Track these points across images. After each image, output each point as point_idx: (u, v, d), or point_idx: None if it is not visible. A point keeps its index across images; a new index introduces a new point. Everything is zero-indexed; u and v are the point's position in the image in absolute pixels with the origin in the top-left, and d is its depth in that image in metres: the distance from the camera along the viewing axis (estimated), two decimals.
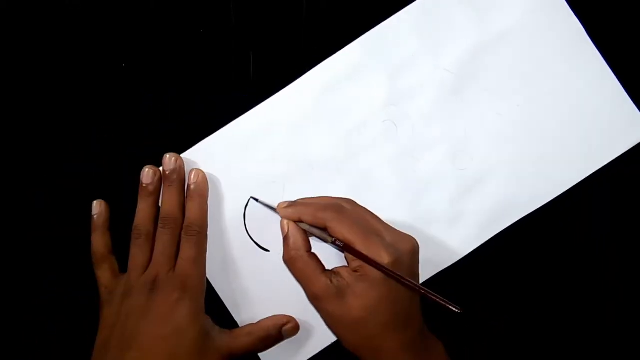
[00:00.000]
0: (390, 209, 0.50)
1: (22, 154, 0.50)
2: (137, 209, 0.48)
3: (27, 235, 0.50)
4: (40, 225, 0.50)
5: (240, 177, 0.50)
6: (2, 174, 0.50)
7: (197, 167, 0.49)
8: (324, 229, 0.46)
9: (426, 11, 0.50)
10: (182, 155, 0.49)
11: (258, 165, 0.50)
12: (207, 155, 0.50)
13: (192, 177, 0.49)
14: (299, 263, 0.46)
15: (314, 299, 0.46)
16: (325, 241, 0.46)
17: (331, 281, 0.45)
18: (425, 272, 0.49)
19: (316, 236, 0.46)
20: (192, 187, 0.49)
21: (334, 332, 0.46)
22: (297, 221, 0.47)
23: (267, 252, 0.50)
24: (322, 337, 0.49)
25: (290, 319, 0.49)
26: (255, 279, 0.50)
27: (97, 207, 0.49)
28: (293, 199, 0.49)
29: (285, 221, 0.47)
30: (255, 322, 0.49)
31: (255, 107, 0.50)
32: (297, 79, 0.50)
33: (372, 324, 0.44)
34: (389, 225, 0.47)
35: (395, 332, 0.44)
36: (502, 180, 0.50)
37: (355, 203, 0.48)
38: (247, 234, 0.50)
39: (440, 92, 0.50)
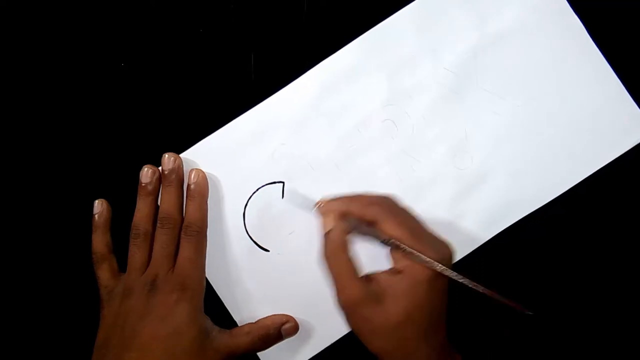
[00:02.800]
0: None
1: (22, 154, 0.50)
2: (136, 209, 0.48)
3: (27, 235, 0.50)
4: (40, 225, 0.50)
5: (240, 177, 0.50)
6: (2, 174, 0.50)
7: (197, 167, 0.49)
8: (371, 226, 0.44)
9: (426, 10, 0.50)
10: (181, 155, 0.49)
11: (258, 165, 0.50)
12: (206, 155, 0.50)
13: (192, 176, 0.49)
14: (339, 262, 0.44)
15: (347, 304, 0.44)
16: (373, 235, 0.44)
17: (367, 286, 0.43)
18: None
19: (363, 233, 0.45)
20: (191, 186, 0.49)
21: (363, 338, 0.44)
22: (343, 216, 0.45)
23: (267, 252, 0.50)
24: (322, 337, 0.49)
25: (289, 319, 0.49)
26: (255, 279, 0.50)
27: (98, 206, 0.49)
28: (294, 199, 0.49)
29: (332, 215, 0.45)
30: (254, 321, 0.49)
31: (254, 107, 0.50)
32: (296, 78, 0.50)
33: (410, 328, 0.43)
34: (430, 231, 0.46)
35: (429, 337, 0.43)
36: (502, 180, 0.50)
37: (400, 201, 0.47)
38: (246, 234, 0.50)
39: (441, 92, 0.50)
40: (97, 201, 0.49)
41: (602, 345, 0.50)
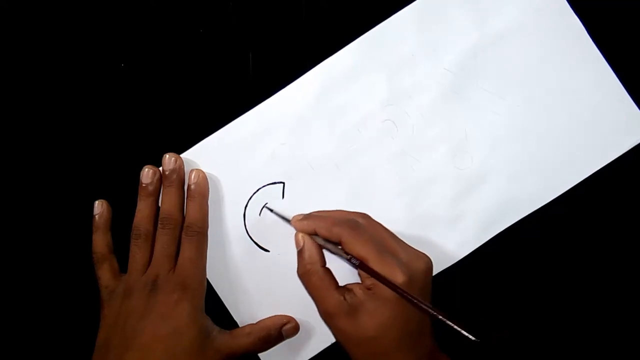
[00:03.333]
0: (390, 208, 0.50)
1: (22, 154, 0.51)
2: (137, 209, 0.48)
3: (27, 235, 0.50)
4: (40, 225, 0.50)
5: (240, 177, 0.50)
6: (2, 174, 0.51)
7: (197, 168, 0.49)
8: (339, 244, 0.45)
9: (426, 10, 0.50)
10: (182, 156, 0.49)
11: (258, 165, 0.50)
12: (206, 156, 0.50)
13: (193, 177, 0.49)
14: (314, 277, 0.46)
15: (326, 315, 0.45)
16: (339, 254, 0.45)
17: (344, 298, 0.44)
18: None
19: (331, 251, 0.46)
20: (192, 187, 0.49)
21: (345, 348, 0.46)
22: (312, 234, 0.47)
23: (267, 252, 0.50)
24: (323, 337, 0.49)
25: (290, 319, 0.49)
26: (255, 279, 0.50)
27: (99, 207, 0.49)
28: (294, 200, 0.50)
29: (300, 234, 0.47)
30: (255, 322, 0.49)
31: (254, 107, 0.50)
32: (296, 79, 0.50)
33: (384, 343, 0.44)
34: (403, 242, 0.47)
35: (407, 350, 0.44)
36: (502, 180, 0.50)
37: (371, 218, 0.48)
38: (247, 234, 0.50)
39: (440, 92, 0.50)
40: (97, 202, 0.49)
41: (601, 346, 0.50)
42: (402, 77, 0.50)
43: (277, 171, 0.50)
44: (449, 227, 0.50)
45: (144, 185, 0.48)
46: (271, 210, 0.49)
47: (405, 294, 0.42)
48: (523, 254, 0.50)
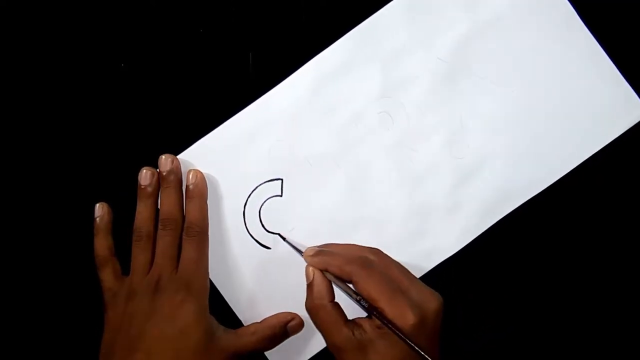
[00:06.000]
0: (389, 200, 0.50)
1: (22, 154, 0.51)
2: (137, 211, 0.49)
3: (28, 239, 0.50)
4: (39, 227, 0.50)
5: (238, 175, 0.50)
6: (2, 175, 0.51)
7: (195, 168, 0.50)
8: (349, 282, 0.45)
9: (416, 1, 0.50)
10: (179, 157, 0.50)
11: (255, 163, 0.50)
12: (203, 155, 0.50)
13: (190, 177, 0.49)
14: (322, 312, 0.45)
15: (335, 349, 0.45)
16: (349, 295, 0.45)
17: (353, 333, 0.44)
18: (425, 264, 0.49)
19: (341, 289, 0.46)
20: (190, 187, 0.49)
21: None
22: (323, 270, 0.46)
23: (269, 250, 0.50)
24: None
25: (294, 316, 0.49)
26: (258, 277, 0.50)
27: (100, 209, 0.49)
28: (293, 197, 0.50)
29: (311, 268, 0.46)
30: (259, 320, 0.48)
31: (248, 105, 0.50)
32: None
33: None
34: (415, 279, 0.46)
35: None
36: (499, 167, 0.50)
37: (382, 254, 0.47)
38: (247, 233, 0.50)
39: (434, 82, 0.50)
40: (98, 205, 0.49)
41: (600, 343, 0.50)
42: (396, 68, 0.50)
43: (274, 168, 0.50)
44: (449, 216, 0.50)
45: (142, 187, 0.49)
46: (284, 239, 0.49)
47: (412, 345, 0.42)
48: (523, 241, 0.50)
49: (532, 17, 0.50)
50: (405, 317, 0.42)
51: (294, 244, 0.49)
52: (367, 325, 0.44)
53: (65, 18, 0.51)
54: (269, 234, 0.50)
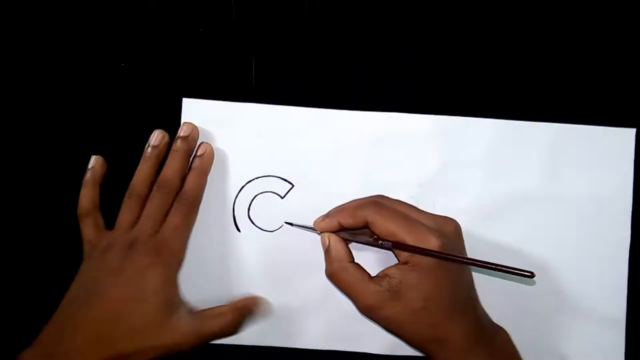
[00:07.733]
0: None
1: (22, 154, 0.50)
2: (137, 170, 0.48)
3: (26, 236, 0.50)
4: (39, 226, 0.50)
5: (246, 160, 0.50)
6: (2, 174, 0.50)
7: (206, 131, 0.50)
8: (365, 229, 0.45)
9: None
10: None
11: (268, 155, 0.50)
12: (225, 119, 0.50)
13: (200, 149, 0.49)
14: (344, 274, 0.45)
15: (368, 309, 0.44)
16: (369, 243, 0.45)
17: (381, 286, 0.43)
18: None
19: (359, 241, 0.46)
20: (197, 159, 0.49)
21: (397, 335, 0.45)
22: (337, 230, 0.46)
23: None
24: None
25: (261, 298, 0.48)
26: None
27: (93, 162, 0.49)
28: (292, 203, 0.50)
29: (326, 234, 0.46)
30: (227, 303, 0.47)
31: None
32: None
33: (433, 312, 0.43)
34: (426, 212, 0.46)
35: (457, 318, 0.43)
36: None
37: (388, 197, 0.47)
38: (232, 215, 0.50)
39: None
40: (93, 157, 0.49)
41: None
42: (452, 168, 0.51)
43: (290, 170, 0.50)
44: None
45: (150, 147, 0.48)
46: (291, 225, 0.49)
47: (446, 255, 0.42)
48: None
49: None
50: (429, 241, 0.43)
51: (302, 224, 0.49)
52: (392, 270, 0.44)
53: (65, 18, 0.51)
54: (246, 218, 0.50)
